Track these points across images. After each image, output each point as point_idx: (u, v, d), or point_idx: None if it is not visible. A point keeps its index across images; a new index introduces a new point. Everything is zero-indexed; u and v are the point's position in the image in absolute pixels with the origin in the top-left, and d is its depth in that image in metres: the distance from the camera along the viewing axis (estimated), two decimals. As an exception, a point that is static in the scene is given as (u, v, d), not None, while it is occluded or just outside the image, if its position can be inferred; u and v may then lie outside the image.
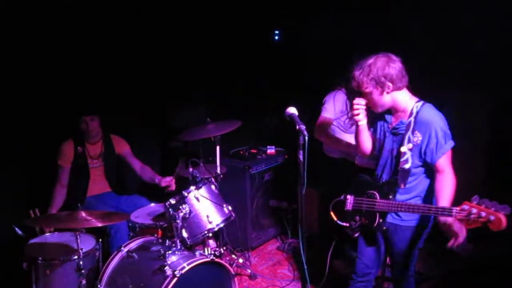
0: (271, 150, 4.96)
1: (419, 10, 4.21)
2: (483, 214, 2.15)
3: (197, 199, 3.33)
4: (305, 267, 2.42)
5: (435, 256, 4.17)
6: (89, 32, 4.00)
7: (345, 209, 2.85)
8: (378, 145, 2.86)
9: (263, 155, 4.87)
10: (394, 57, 2.60)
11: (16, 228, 3.25)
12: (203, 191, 3.39)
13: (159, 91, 4.62)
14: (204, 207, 3.36)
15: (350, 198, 2.84)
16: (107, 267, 3.13)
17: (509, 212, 2.13)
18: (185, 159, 3.78)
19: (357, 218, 2.80)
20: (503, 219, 2.12)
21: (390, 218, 2.73)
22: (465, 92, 3.97)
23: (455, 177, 2.56)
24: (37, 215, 3.36)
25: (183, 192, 3.29)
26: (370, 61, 2.60)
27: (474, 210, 2.18)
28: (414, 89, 2.70)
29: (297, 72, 5.20)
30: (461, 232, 2.42)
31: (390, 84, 2.56)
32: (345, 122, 3.81)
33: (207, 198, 3.38)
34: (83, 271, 2.91)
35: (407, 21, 4.23)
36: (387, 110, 2.73)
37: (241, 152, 4.88)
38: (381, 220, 2.70)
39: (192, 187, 3.34)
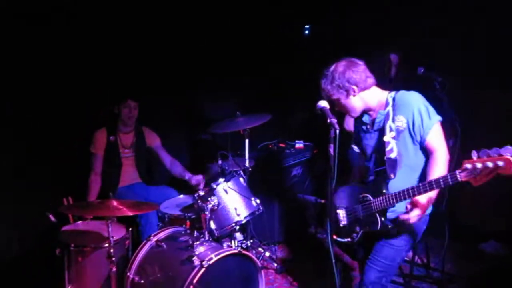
0: (299, 144, 4.94)
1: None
2: (489, 164, 1.98)
3: (226, 191, 3.36)
4: (333, 261, 2.40)
5: (464, 256, 4.09)
6: (124, 23, 4.08)
7: (341, 225, 2.75)
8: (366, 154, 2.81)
9: (292, 150, 4.86)
10: (355, 60, 2.62)
11: (50, 215, 3.34)
12: (231, 183, 3.41)
13: (189, 83, 4.65)
14: (233, 200, 3.38)
15: (341, 213, 2.75)
16: (136, 255, 3.19)
17: None
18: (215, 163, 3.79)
19: (357, 228, 2.69)
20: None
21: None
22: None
23: (449, 155, 2.50)
24: (70, 203, 3.44)
25: (212, 184, 3.33)
26: (331, 68, 2.63)
27: (479, 165, 2.01)
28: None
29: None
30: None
31: (354, 87, 2.58)
32: None
33: (235, 191, 3.40)
34: (113, 258, 2.95)
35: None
36: (363, 112, 2.72)
37: (270, 146, 4.88)
38: (382, 219, 2.58)
39: (221, 180, 3.38)
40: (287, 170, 4.66)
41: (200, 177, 3.87)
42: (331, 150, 2.32)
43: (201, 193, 3.28)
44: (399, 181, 2.54)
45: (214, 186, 3.33)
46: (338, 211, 2.76)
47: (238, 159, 3.91)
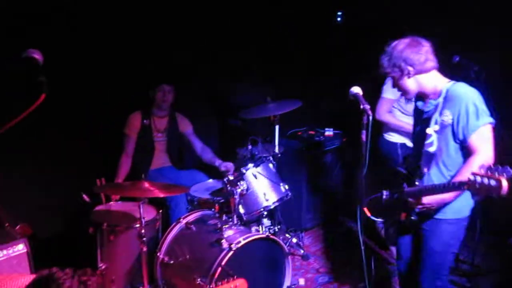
0: (329, 132, 4.91)
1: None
2: (485, 181, 1.93)
3: (255, 176, 3.38)
4: (362, 247, 2.40)
5: (494, 250, 4.02)
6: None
7: (382, 204, 2.71)
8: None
9: (321, 137, 4.83)
10: (420, 40, 2.46)
11: (84, 195, 3.43)
12: (261, 169, 3.43)
13: (221, 69, 4.67)
14: (262, 185, 3.40)
15: (385, 193, 2.71)
16: (166, 237, 3.26)
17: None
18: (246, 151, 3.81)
19: (391, 213, 2.69)
20: (504, 184, 1.86)
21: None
22: None
23: (493, 160, 2.32)
24: (103, 184, 3.53)
25: (242, 169, 3.36)
26: (393, 44, 2.50)
27: (478, 179, 1.96)
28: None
29: (358, 53, 5.09)
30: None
31: (410, 68, 2.43)
32: (408, 106, 3.71)
33: (264, 176, 3.42)
34: (144, 238, 3.02)
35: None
36: (419, 97, 2.61)
37: (299, 133, 4.87)
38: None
39: (251, 165, 3.40)
40: (316, 157, 4.65)
41: (230, 164, 3.89)
42: (363, 137, 2.31)
43: (231, 177, 3.31)
44: (432, 177, 2.50)
45: (244, 171, 3.36)
46: (384, 191, 2.72)
47: (268, 145, 3.92)
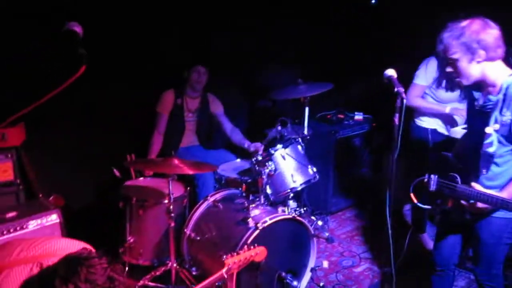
0: (358, 116, 4.86)
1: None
2: None
3: (283, 157, 3.38)
4: (390, 232, 2.38)
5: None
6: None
7: (429, 190, 2.54)
8: (464, 122, 2.62)
9: (350, 121, 4.79)
10: (491, 23, 2.25)
11: (115, 170, 3.51)
12: (289, 150, 3.43)
13: (251, 49, 4.65)
14: (289, 166, 3.40)
15: (434, 178, 2.53)
16: (193, 213, 3.31)
17: None
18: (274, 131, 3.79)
19: (439, 201, 2.54)
20: None
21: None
22: None
23: None
24: (133, 159, 3.60)
25: (270, 149, 3.36)
26: (463, 23, 2.26)
27: None
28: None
29: (392, 37, 4.98)
30: None
31: (482, 52, 2.23)
32: (438, 92, 3.63)
33: (293, 158, 3.41)
34: (172, 214, 3.07)
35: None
36: (475, 86, 2.41)
37: (328, 116, 4.83)
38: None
39: (279, 146, 3.40)
40: (345, 141, 4.61)
41: (259, 144, 3.89)
42: (396, 120, 2.27)
43: (259, 157, 3.32)
44: (488, 179, 2.39)
45: (272, 151, 3.36)
46: (432, 176, 2.55)
47: (297, 127, 3.90)
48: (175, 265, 3.19)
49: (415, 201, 2.56)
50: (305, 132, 3.85)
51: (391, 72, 2.41)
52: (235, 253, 2.39)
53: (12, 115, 1.08)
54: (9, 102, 2.70)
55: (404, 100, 2.25)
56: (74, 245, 1.77)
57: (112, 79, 3.81)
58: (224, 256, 2.36)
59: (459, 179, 2.41)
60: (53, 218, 2.80)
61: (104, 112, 3.88)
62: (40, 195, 3.10)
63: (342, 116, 4.83)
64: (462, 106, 3.48)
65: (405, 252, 3.38)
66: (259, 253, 2.50)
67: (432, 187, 2.52)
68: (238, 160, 4.02)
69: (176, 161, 3.07)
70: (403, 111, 2.25)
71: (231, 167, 3.88)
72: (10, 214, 2.71)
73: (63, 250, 1.70)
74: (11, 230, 2.63)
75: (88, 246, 1.76)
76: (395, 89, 2.29)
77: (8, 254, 1.70)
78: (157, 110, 4.00)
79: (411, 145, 3.74)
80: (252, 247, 2.46)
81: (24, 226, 2.68)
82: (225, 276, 2.32)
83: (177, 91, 4.04)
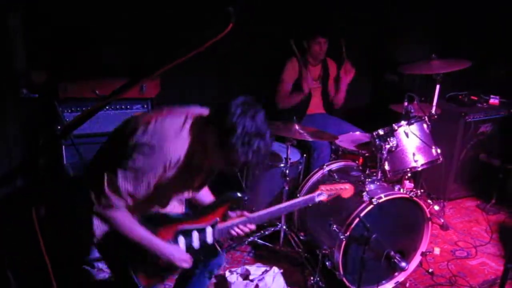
0: (494, 100, 4.44)
1: None
2: None
3: (407, 134, 3.26)
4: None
5: None
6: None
7: None
8: None
9: (484, 104, 4.40)
10: None
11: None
12: (414, 128, 3.29)
13: (380, 17, 4.46)
14: (412, 144, 3.28)
15: None
16: (308, 179, 3.35)
17: None
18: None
19: None
20: None
21: None
22: None
23: None
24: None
25: (394, 125, 3.24)
26: None
27: None
28: None
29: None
30: None
31: None
32: None
33: (417, 136, 3.27)
34: (287, 178, 3.15)
35: None
36: None
37: (460, 97, 4.49)
38: None
39: (404, 122, 3.27)
40: (475, 125, 4.27)
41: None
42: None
43: (381, 132, 3.23)
44: None
45: (396, 127, 3.24)
46: None
47: (424, 105, 3.70)
48: (284, 227, 3.29)
49: None
50: (433, 111, 3.65)
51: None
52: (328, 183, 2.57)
53: (160, 68, 1.17)
54: (159, 56, 2.94)
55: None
56: None
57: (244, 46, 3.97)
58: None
59: None
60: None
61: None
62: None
63: (475, 98, 4.45)
64: None
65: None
66: (347, 188, 2.60)
67: None
68: (358, 132, 3.96)
69: (296, 127, 3.11)
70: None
71: (350, 138, 3.84)
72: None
73: None
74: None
75: None
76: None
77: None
78: (282, 78, 4.06)
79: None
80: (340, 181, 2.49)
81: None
82: (316, 199, 2.53)
83: (298, 60, 4.05)
